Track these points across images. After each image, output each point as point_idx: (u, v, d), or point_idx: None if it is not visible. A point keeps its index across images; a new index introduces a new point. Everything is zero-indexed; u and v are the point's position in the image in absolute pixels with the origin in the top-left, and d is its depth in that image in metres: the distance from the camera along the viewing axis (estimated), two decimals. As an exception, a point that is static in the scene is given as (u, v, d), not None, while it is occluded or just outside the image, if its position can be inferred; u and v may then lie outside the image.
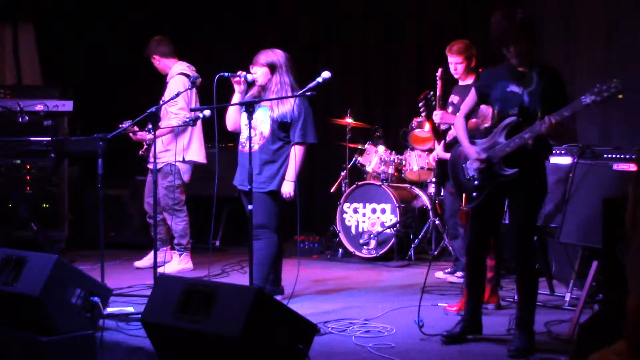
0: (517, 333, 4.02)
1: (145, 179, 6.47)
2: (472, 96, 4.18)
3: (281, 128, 4.95)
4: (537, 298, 4.12)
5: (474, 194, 4.09)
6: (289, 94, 4.89)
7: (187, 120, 5.76)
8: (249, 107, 4.51)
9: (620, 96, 3.59)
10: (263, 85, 4.97)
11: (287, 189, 4.93)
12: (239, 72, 4.91)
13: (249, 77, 4.94)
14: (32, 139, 6.84)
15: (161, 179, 6.22)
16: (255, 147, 4.93)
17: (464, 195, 4.18)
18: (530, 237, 4.06)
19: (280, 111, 4.91)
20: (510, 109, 3.94)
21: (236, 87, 4.97)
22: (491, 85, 4.05)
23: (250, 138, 4.57)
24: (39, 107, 6.84)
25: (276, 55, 4.98)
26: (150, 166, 6.14)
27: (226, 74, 4.81)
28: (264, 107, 4.94)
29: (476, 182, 4.08)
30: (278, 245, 5.02)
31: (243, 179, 5.02)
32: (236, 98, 5.00)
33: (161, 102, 6.04)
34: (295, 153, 4.94)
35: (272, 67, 4.95)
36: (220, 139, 4.95)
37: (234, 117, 5.12)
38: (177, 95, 5.61)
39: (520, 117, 3.89)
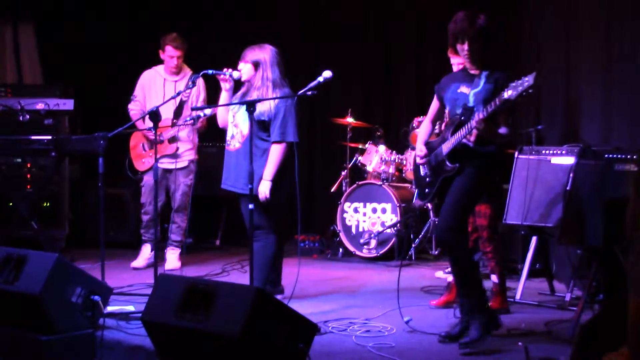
0: (469, 322, 4.04)
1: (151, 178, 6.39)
2: (434, 100, 4.40)
3: (260, 126, 4.82)
4: (478, 277, 4.10)
5: (427, 190, 4.29)
6: (270, 90, 4.80)
7: (188, 119, 5.78)
8: (250, 107, 4.47)
9: (531, 90, 3.79)
10: (249, 81, 4.89)
11: (263, 188, 4.76)
12: (224, 70, 4.83)
13: (235, 74, 4.84)
14: (32, 137, 6.84)
15: (183, 177, 6.26)
16: (237, 145, 4.86)
17: (417, 191, 4.46)
18: (457, 216, 4.04)
19: (258, 110, 4.73)
20: (458, 108, 4.12)
21: (223, 84, 4.88)
22: (445, 87, 4.26)
23: (250, 138, 4.53)
24: (40, 106, 6.84)
25: (262, 51, 4.88)
26: (162, 166, 6.14)
27: (210, 71, 4.76)
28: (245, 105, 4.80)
29: (427, 179, 4.29)
30: (277, 244, 4.98)
31: (227, 178, 4.94)
32: (224, 96, 4.90)
33: (188, 101, 6.07)
34: (273, 152, 4.81)
35: (256, 64, 4.86)
36: (219, 139, 4.97)
37: (222, 115, 5.05)
38: (178, 94, 5.66)
39: (462, 116, 4.05)
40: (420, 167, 4.35)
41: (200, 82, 6.25)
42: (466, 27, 4.02)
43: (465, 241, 4.18)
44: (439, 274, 6.06)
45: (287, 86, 4.91)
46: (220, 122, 5.10)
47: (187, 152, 6.28)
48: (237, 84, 4.96)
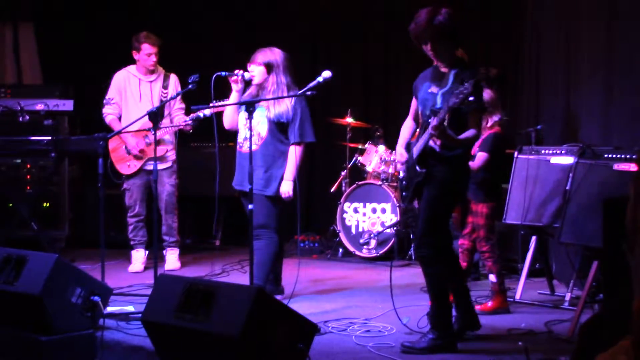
0: (429, 329, 4.04)
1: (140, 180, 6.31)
2: (413, 97, 4.28)
3: (279, 128, 4.95)
4: (446, 297, 4.06)
5: (404, 193, 4.22)
6: (285, 94, 4.88)
7: (188, 119, 5.79)
8: (250, 107, 4.51)
9: (471, 98, 3.69)
10: (260, 84, 4.97)
11: (286, 188, 4.92)
12: (236, 71, 4.91)
13: (246, 75, 4.93)
14: (32, 138, 6.84)
15: (167, 177, 6.23)
16: (254, 146, 4.87)
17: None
18: (431, 230, 3.99)
19: (277, 111, 4.90)
20: (427, 109, 4.01)
21: (233, 86, 4.95)
22: (419, 86, 4.14)
23: (250, 138, 4.57)
24: (40, 107, 6.84)
25: (274, 54, 4.97)
26: (148, 167, 6.14)
27: (223, 73, 4.82)
28: (261, 107, 4.92)
29: (404, 182, 4.22)
30: (279, 245, 5.02)
31: (242, 180, 5.01)
32: (234, 97, 4.99)
33: (164, 100, 6.08)
34: (293, 153, 4.94)
35: (269, 67, 4.93)
36: (219, 139, 4.95)
37: (231, 116, 5.11)
38: (178, 94, 5.67)
39: (429, 118, 3.91)
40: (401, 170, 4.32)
41: (175, 81, 6.27)
42: (425, 27, 3.90)
43: (442, 256, 4.06)
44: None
45: (298, 89, 4.93)
46: (228, 123, 5.13)
47: (169, 153, 6.26)
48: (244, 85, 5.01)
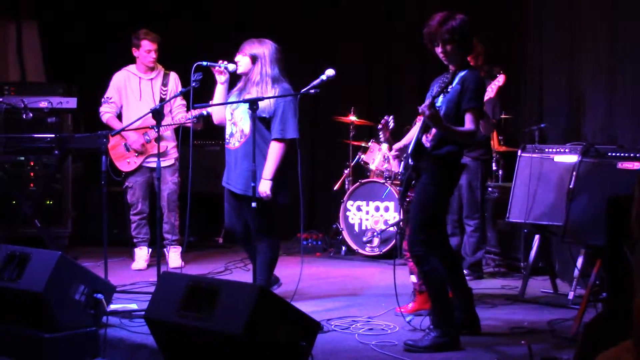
0: (431, 327, 4.05)
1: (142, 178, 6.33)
2: None
3: (262, 124, 4.70)
4: (444, 295, 4.08)
5: (399, 188, 4.25)
6: (269, 86, 4.69)
7: (191, 118, 5.78)
8: (253, 105, 4.41)
9: (450, 87, 3.98)
10: (247, 76, 4.77)
11: (264, 188, 4.64)
12: (219, 62, 4.72)
13: (230, 66, 4.72)
14: (36, 135, 6.85)
15: (170, 175, 6.24)
16: (237, 144, 4.75)
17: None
18: (422, 228, 4.02)
19: (259, 106, 4.59)
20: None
21: (218, 77, 4.77)
22: (431, 87, 4.23)
23: (253, 136, 4.48)
24: (43, 104, 6.85)
25: (262, 45, 4.76)
26: (150, 165, 6.15)
27: (205, 62, 4.65)
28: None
29: (400, 177, 4.27)
30: (278, 247, 4.93)
31: (228, 178, 4.84)
32: (219, 89, 4.80)
33: (167, 98, 6.09)
34: (273, 150, 4.69)
35: (254, 58, 4.73)
36: (220, 137, 4.92)
37: (219, 112, 4.90)
38: (181, 92, 5.66)
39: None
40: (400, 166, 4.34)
41: (175, 78, 6.30)
42: (437, 29, 4.02)
43: (434, 253, 4.09)
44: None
45: (287, 82, 4.80)
46: (216, 118, 4.96)
47: (172, 150, 6.26)
48: (233, 78, 4.86)
